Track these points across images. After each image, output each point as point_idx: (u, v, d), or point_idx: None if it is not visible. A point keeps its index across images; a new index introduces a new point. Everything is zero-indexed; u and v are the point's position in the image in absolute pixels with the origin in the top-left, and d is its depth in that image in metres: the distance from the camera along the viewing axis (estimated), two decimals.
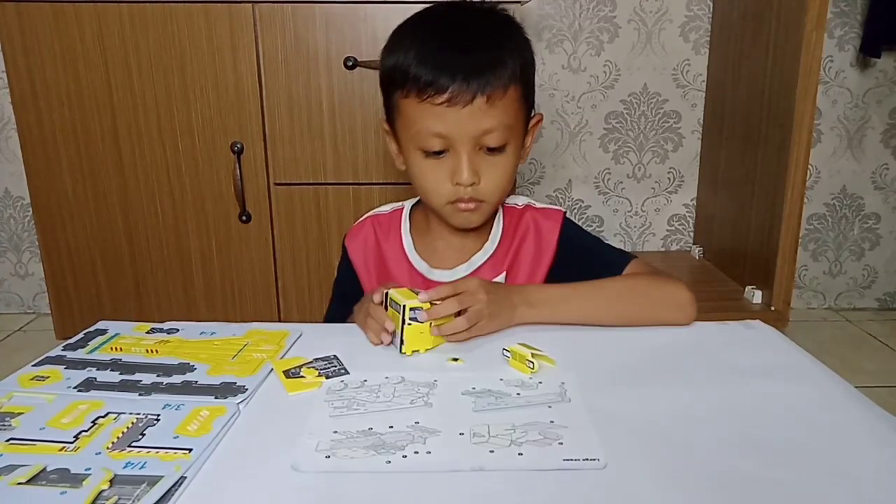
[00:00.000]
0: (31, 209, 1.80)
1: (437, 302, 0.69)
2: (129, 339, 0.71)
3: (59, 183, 1.50)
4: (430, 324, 0.69)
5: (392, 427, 0.53)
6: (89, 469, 0.47)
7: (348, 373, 0.64)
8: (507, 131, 0.78)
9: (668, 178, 2.12)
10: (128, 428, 0.52)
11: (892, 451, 0.50)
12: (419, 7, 0.82)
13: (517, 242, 0.90)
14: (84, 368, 0.64)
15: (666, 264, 2.03)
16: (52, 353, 0.67)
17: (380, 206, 0.97)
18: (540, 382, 0.61)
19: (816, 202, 2.09)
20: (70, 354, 0.67)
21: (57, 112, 1.46)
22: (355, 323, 0.77)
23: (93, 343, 0.70)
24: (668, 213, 2.15)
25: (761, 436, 0.52)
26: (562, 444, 0.51)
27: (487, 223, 0.88)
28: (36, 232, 1.63)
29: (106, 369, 0.64)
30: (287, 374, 0.63)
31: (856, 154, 2.05)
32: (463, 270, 0.88)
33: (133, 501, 0.43)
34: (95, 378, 0.62)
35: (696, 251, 2.10)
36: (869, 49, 1.90)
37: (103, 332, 0.73)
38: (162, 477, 0.46)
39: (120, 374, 0.63)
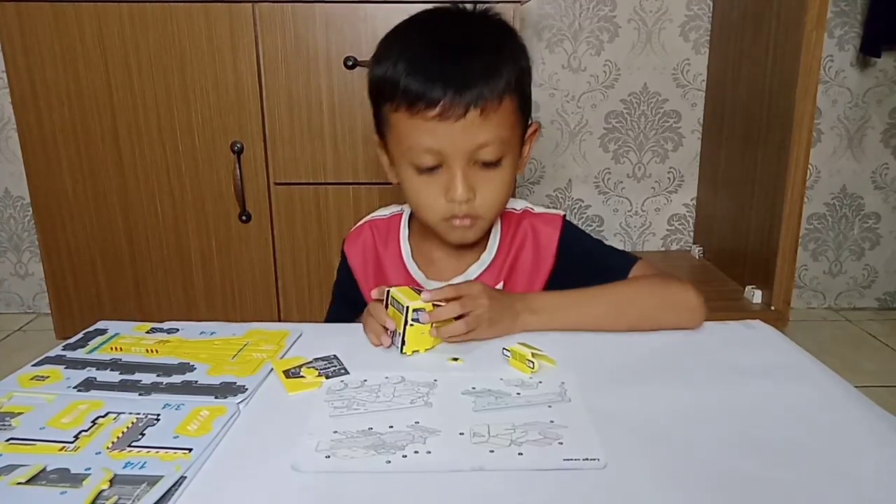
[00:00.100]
0: (31, 209, 1.80)
1: (441, 303, 0.69)
2: (128, 338, 0.71)
3: (59, 183, 1.50)
4: (431, 324, 0.69)
5: (392, 427, 0.53)
6: (89, 469, 0.47)
7: (348, 373, 0.64)
8: (502, 145, 0.75)
9: (668, 178, 2.12)
10: (128, 428, 0.52)
11: (892, 451, 0.50)
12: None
13: (514, 252, 0.87)
14: (84, 368, 0.64)
15: (666, 264, 2.03)
16: (52, 353, 0.67)
17: (380, 206, 0.96)
18: (540, 382, 0.61)
19: (816, 202, 2.09)
20: (70, 354, 0.67)
21: (57, 112, 1.46)
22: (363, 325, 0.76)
23: (93, 343, 0.70)
24: (668, 213, 2.15)
25: (761, 436, 0.52)
26: (562, 443, 0.51)
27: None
28: (36, 232, 1.63)
29: (106, 369, 0.64)
30: (287, 373, 0.63)
31: (856, 154, 2.05)
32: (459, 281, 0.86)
33: (133, 501, 0.43)
34: (95, 378, 0.62)
35: (696, 251, 2.10)
36: (869, 49, 1.90)
37: (103, 331, 0.73)
38: (162, 477, 0.46)
39: (120, 373, 0.63)
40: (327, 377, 0.63)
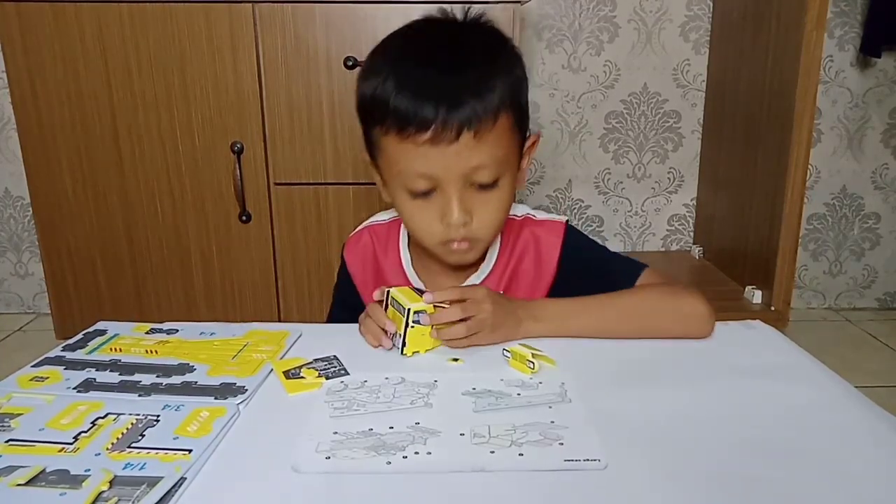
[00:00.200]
0: (31, 209, 1.80)
1: (444, 305, 0.69)
2: (128, 339, 0.71)
3: (59, 183, 1.50)
4: (431, 325, 0.69)
5: (392, 428, 0.53)
6: (89, 470, 0.46)
7: (348, 373, 0.64)
8: (498, 166, 0.71)
9: (668, 178, 2.12)
10: (127, 429, 0.52)
11: (892, 451, 0.50)
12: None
13: (515, 261, 0.85)
14: (83, 369, 0.64)
15: (666, 264, 2.03)
16: (52, 354, 0.67)
17: (380, 208, 0.95)
18: (540, 383, 0.61)
19: (816, 202, 2.09)
20: (69, 355, 0.67)
21: (57, 112, 1.45)
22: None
23: (92, 343, 0.70)
24: (668, 213, 2.15)
25: (761, 436, 0.52)
26: (562, 444, 0.51)
27: None
28: (36, 232, 1.63)
29: (105, 370, 0.64)
30: (287, 374, 0.63)
31: (856, 154, 2.05)
32: None
33: (133, 502, 0.43)
34: (95, 379, 0.62)
35: (696, 251, 2.10)
36: (869, 49, 1.90)
37: (103, 332, 0.73)
38: (162, 478, 0.46)
39: (119, 374, 0.63)
40: (327, 378, 0.63)
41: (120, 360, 0.66)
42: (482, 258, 0.85)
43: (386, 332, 0.69)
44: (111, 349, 0.69)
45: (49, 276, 1.56)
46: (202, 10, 1.41)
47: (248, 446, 0.52)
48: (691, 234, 2.17)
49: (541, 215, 0.87)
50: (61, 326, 1.58)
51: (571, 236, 0.84)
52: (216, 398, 0.58)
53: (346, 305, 0.87)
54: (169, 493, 0.44)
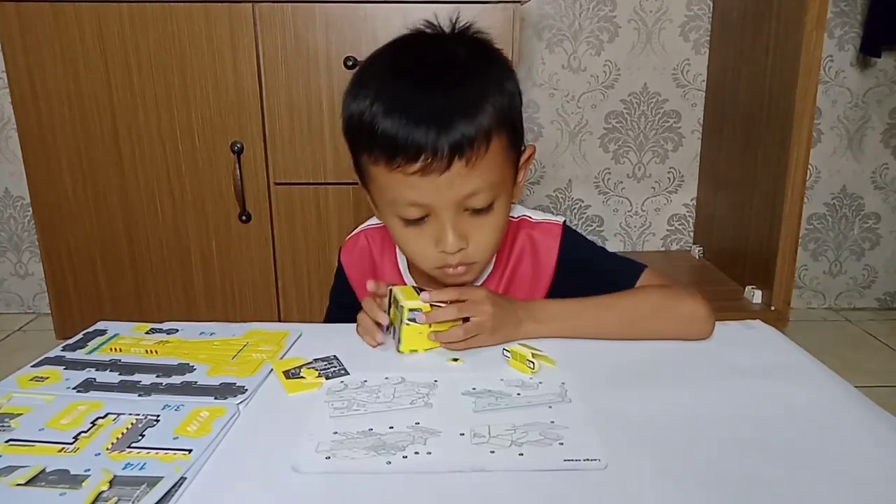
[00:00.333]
0: (31, 209, 1.80)
1: (443, 304, 0.69)
2: (128, 339, 0.71)
3: (59, 183, 1.50)
4: (430, 325, 0.69)
5: (392, 428, 0.53)
6: (89, 470, 0.46)
7: (348, 373, 0.64)
8: (492, 190, 0.69)
9: (668, 178, 2.12)
10: (127, 429, 0.52)
11: (892, 451, 0.50)
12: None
13: (512, 265, 0.84)
14: (83, 369, 0.64)
15: (666, 264, 2.03)
16: (52, 354, 0.67)
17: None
18: (540, 383, 0.61)
19: (816, 202, 2.09)
20: (69, 355, 0.67)
21: (57, 112, 1.46)
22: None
23: (92, 343, 0.70)
24: (668, 213, 2.15)
25: (761, 436, 0.52)
26: (562, 444, 0.51)
27: None
28: (36, 232, 1.63)
29: (105, 370, 0.64)
30: (287, 374, 0.63)
31: (856, 154, 2.05)
32: None
33: (133, 502, 0.43)
34: (95, 379, 0.62)
35: (696, 251, 2.10)
36: (869, 49, 1.90)
37: (102, 332, 0.73)
38: (162, 478, 0.46)
39: (119, 374, 0.63)
40: (327, 378, 0.62)
41: (120, 360, 0.66)
42: None
43: (379, 324, 0.69)
44: (111, 349, 0.69)
45: (49, 276, 1.56)
46: (202, 10, 1.41)
47: (248, 446, 0.52)
48: (691, 234, 2.17)
49: (538, 216, 0.85)
50: (61, 326, 1.58)
51: (569, 238, 0.84)
52: (216, 398, 0.58)
53: (343, 308, 0.87)
54: (169, 493, 0.44)
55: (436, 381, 0.62)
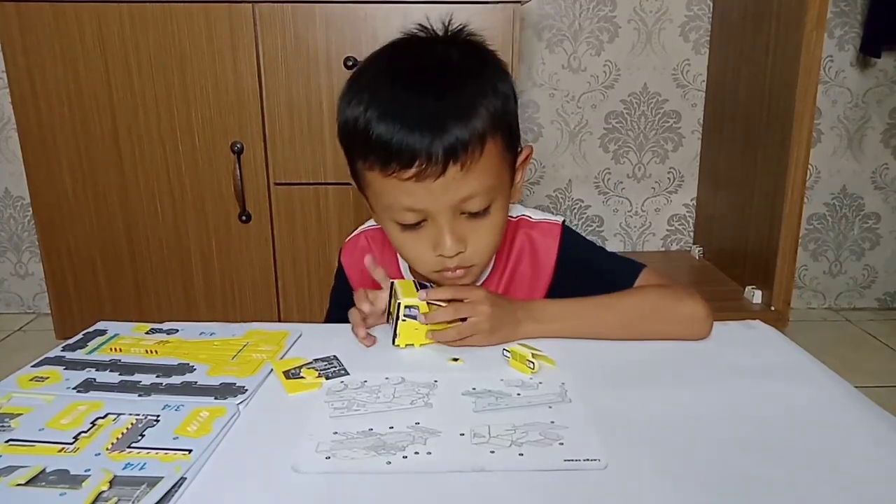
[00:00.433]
0: (31, 209, 1.80)
1: (443, 304, 0.69)
2: (128, 339, 0.71)
3: (59, 183, 1.50)
4: (427, 325, 0.69)
5: (392, 428, 0.53)
6: (89, 470, 0.46)
7: (348, 373, 0.64)
8: (489, 193, 0.69)
9: (668, 178, 2.12)
10: (127, 429, 0.52)
11: (892, 451, 0.50)
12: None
13: (512, 266, 0.84)
14: (83, 369, 0.64)
15: (666, 264, 2.03)
16: (52, 354, 0.67)
17: None
18: (540, 383, 0.61)
19: (816, 202, 2.09)
20: (69, 355, 0.67)
21: (57, 112, 1.45)
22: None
23: (92, 343, 0.70)
24: (668, 213, 2.15)
25: (761, 436, 0.52)
26: (562, 444, 0.51)
27: None
28: (36, 232, 1.63)
29: (105, 370, 0.64)
30: (287, 374, 0.63)
31: (856, 154, 2.05)
32: None
33: (133, 502, 0.43)
34: (95, 379, 0.62)
35: (696, 251, 2.10)
36: (869, 49, 1.90)
37: (102, 332, 0.73)
38: (162, 478, 0.46)
39: (119, 374, 0.63)
40: (327, 378, 0.63)
41: (120, 360, 0.66)
42: None
43: (364, 319, 0.71)
44: (111, 349, 0.69)
45: (49, 276, 1.56)
46: (202, 10, 1.40)
47: (248, 446, 0.52)
48: (691, 234, 2.17)
49: (537, 216, 0.85)
50: (61, 326, 1.58)
51: (568, 238, 0.84)
52: (216, 398, 0.58)
53: (344, 308, 0.87)
54: (169, 493, 0.44)
55: (436, 381, 0.62)
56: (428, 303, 0.69)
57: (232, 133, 1.47)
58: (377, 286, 0.80)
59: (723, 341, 0.72)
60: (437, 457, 0.49)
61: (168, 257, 1.55)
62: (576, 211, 2.13)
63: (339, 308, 0.91)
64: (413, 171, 0.65)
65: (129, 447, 0.50)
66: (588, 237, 0.90)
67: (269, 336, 0.72)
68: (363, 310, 0.72)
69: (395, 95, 0.67)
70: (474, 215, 0.70)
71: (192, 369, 0.64)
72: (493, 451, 0.50)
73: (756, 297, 1.72)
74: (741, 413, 0.56)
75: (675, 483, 0.46)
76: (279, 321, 1.55)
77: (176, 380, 0.61)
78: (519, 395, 0.59)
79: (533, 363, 0.63)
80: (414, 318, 0.69)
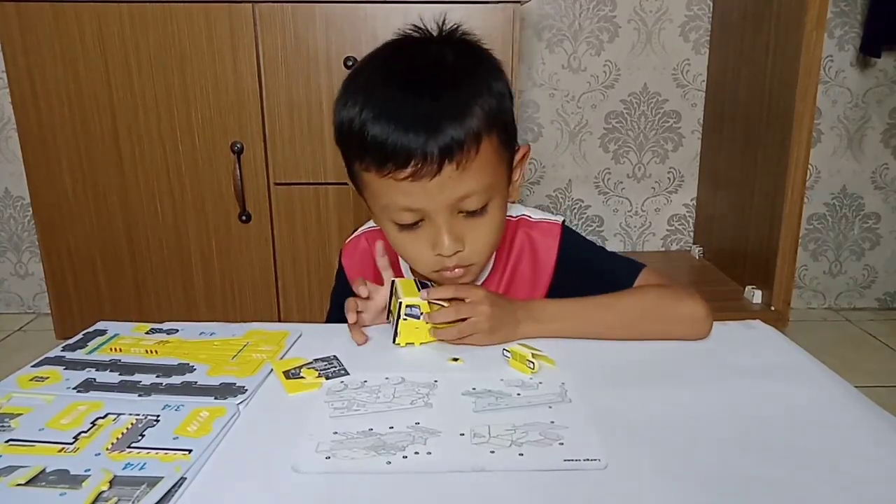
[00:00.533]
0: (31, 209, 1.80)
1: (444, 304, 0.69)
2: (128, 339, 0.71)
3: (59, 183, 1.50)
4: (425, 320, 0.69)
5: (392, 428, 0.53)
6: (89, 470, 0.46)
7: (348, 373, 0.64)
8: (486, 191, 0.69)
9: (668, 178, 2.12)
10: (127, 429, 0.52)
11: (892, 451, 0.50)
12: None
13: (512, 266, 0.84)
14: (83, 369, 0.64)
15: (666, 264, 2.03)
16: (52, 354, 0.67)
17: None
18: (540, 383, 0.61)
19: (816, 202, 2.09)
20: (69, 355, 0.67)
21: (57, 112, 1.45)
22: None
23: (92, 344, 0.70)
24: (668, 213, 2.15)
25: (761, 436, 0.52)
26: (562, 444, 0.51)
27: None
28: (36, 232, 1.63)
29: (105, 370, 0.64)
30: (287, 374, 0.63)
31: (856, 154, 2.05)
32: None
33: (133, 502, 0.43)
34: (95, 379, 0.62)
35: (696, 251, 2.10)
36: (869, 49, 1.90)
37: (102, 332, 0.73)
38: (162, 478, 0.46)
39: (119, 374, 0.63)
40: (327, 378, 0.63)
41: (120, 360, 0.66)
42: None
43: (358, 312, 0.72)
44: (111, 349, 0.69)
45: (49, 276, 1.56)
46: (202, 10, 1.40)
47: (248, 446, 0.52)
48: (691, 234, 2.17)
49: (537, 215, 0.85)
50: (61, 326, 1.58)
51: (568, 238, 0.84)
52: (216, 398, 0.58)
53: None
54: (169, 493, 0.44)
55: (436, 381, 0.62)
56: (429, 302, 0.69)
57: (232, 133, 1.47)
58: (380, 285, 0.80)
59: (723, 341, 0.72)
60: (437, 457, 0.49)
61: (168, 257, 1.55)
62: (576, 211, 2.13)
63: (339, 309, 0.91)
64: (409, 170, 0.65)
65: (129, 447, 0.50)
66: (588, 237, 0.90)
67: (269, 336, 0.72)
68: (361, 294, 0.73)
69: (389, 96, 0.67)
70: (472, 214, 0.70)
71: (192, 369, 0.64)
72: (493, 451, 0.50)
73: (756, 297, 1.72)
74: (741, 413, 0.56)
75: (675, 483, 0.46)
76: (279, 321, 1.55)
77: (176, 380, 0.61)
78: (519, 395, 0.59)
79: (533, 363, 0.63)
80: (415, 317, 0.69)
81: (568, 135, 2.05)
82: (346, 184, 1.48)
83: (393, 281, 0.73)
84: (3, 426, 0.53)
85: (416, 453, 0.50)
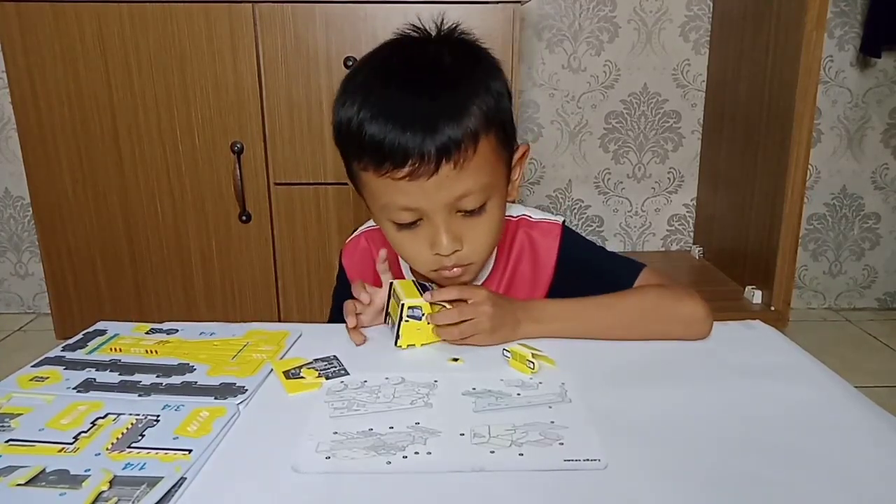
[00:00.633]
0: (31, 209, 1.80)
1: (447, 304, 0.69)
2: (128, 339, 0.71)
3: (59, 183, 1.50)
4: (428, 321, 0.69)
5: (392, 428, 0.53)
6: (89, 470, 0.46)
7: (348, 373, 0.64)
8: (484, 191, 0.69)
9: (668, 178, 2.12)
10: (127, 429, 0.52)
11: (892, 451, 0.50)
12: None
13: (512, 265, 0.84)
14: (83, 369, 0.64)
15: (666, 264, 2.03)
16: (52, 354, 0.67)
17: None
18: (540, 383, 0.61)
19: (816, 202, 2.09)
20: (69, 355, 0.67)
21: (57, 112, 1.46)
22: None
23: (92, 343, 0.70)
24: (668, 213, 2.15)
25: (761, 436, 0.52)
26: (562, 444, 0.51)
27: None
28: (36, 232, 1.63)
29: (105, 370, 0.64)
30: (287, 374, 0.63)
31: (856, 154, 2.05)
32: None
33: (133, 502, 0.43)
34: (95, 379, 0.62)
35: (696, 251, 2.10)
36: (869, 49, 1.90)
37: (102, 332, 0.73)
38: (162, 478, 0.46)
39: (119, 374, 0.63)
40: (327, 378, 0.63)
41: (120, 360, 0.66)
42: None
43: (357, 315, 0.72)
44: (111, 349, 0.69)
45: (49, 276, 1.56)
46: (202, 10, 1.41)
47: (248, 446, 0.52)
48: (691, 234, 2.17)
49: (537, 215, 0.86)
50: (61, 326, 1.58)
51: (568, 238, 0.84)
52: (216, 398, 0.58)
53: None
54: (169, 493, 0.44)
55: (436, 381, 0.62)
56: (432, 304, 0.69)
57: (232, 133, 1.47)
58: (378, 285, 0.80)
59: (723, 341, 0.72)
60: (437, 457, 0.49)
61: (168, 257, 1.55)
62: (576, 211, 2.13)
63: (340, 310, 0.91)
64: (406, 170, 0.65)
65: (129, 447, 0.50)
66: (588, 237, 0.90)
67: (269, 336, 0.72)
68: (362, 300, 0.73)
69: (387, 96, 0.67)
70: (470, 213, 0.70)
71: (192, 369, 0.64)
72: (493, 451, 0.50)
73: (756, 297, 1.71)
74: (741, 413, 0.56)
75: (675, 483, 0.46)
76: (279, 321, 1.54)
77: (176, 380, 0.61)
78: (519, 395, 0.59)
79: (533, 363, 0.63)
80: (417, 318, 0.69)
81: (568, 135, 2.05)
82: (346, 184, 1.49)
83: (391, 283, 0.73)
84: (3, 426, 0.53)
85: (416, 453, 0.50)
